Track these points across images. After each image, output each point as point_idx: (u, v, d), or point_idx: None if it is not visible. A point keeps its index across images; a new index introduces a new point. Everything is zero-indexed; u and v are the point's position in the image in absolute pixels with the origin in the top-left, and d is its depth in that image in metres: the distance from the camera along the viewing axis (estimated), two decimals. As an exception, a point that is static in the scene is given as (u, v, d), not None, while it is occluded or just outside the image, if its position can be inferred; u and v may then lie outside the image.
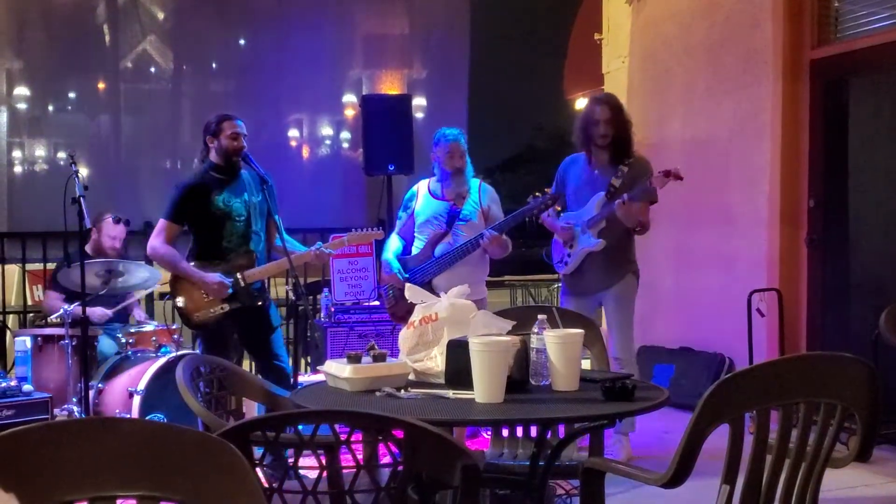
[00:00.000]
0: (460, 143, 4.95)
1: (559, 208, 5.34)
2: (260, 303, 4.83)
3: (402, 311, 4.83)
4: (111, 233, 5.89)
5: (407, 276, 4.90)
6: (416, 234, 5.05)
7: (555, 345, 2.82)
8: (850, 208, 5.98)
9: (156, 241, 4.76)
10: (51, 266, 7.02)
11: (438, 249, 4.92)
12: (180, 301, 4.76)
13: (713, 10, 6.74)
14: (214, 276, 4.68)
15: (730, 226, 6.51)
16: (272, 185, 4.82)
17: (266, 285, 5.02)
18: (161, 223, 4.79)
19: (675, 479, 2.18)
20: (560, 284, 5.56)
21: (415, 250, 5.04)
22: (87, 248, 5.79)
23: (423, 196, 5.08)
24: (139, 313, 6.31)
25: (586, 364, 3.78)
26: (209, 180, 4.76)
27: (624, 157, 5.14)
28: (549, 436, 3.28)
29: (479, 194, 5.02)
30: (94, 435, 1.51)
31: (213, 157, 4.79)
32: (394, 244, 5.10)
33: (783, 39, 6.17)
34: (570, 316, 3.49)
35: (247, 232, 4.78)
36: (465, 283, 3.26)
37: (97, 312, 5.60)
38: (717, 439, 2.16)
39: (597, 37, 8.33)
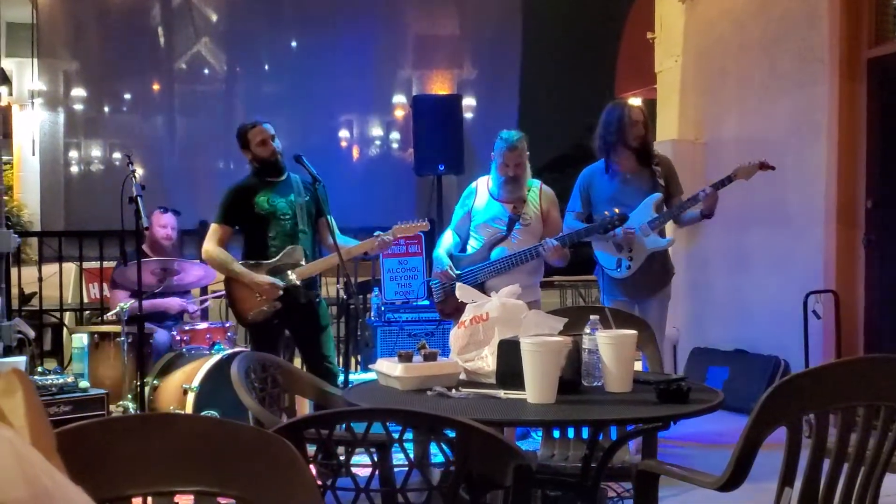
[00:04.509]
0: (517, 151, 4.76)
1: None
2: (310, 300, 4.88)
3: (451, 308, 4.79)
4: (160, 223, 6.11)
5: (459, 272, 4.81)
6: (471, 233, 4.94)
7: (608, 345, 2.80)
8: (908, 209, 5.86)
9: (208, 245, 4.91)
10: (107, 264, 7.15)
11: (495, 253, 4.81)
12: (234, 299, 4.85)
13: (768, 7, 6.64)
14: (266, 278, 4.74)
15: (785, 226, 6.41)
16: (324, 185, 4.87)
17: (318, 283, 5.05)
18: (212, 227, 4.95)
19: (732, 482, 2.16)
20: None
21: (470, 249, 4.91)
22: (144, 247, 5.88)
23: (482, 195, 4.94)
24: (192, 307, 6.33)
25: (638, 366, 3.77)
26: (254, 182, 4.94)
27: (650, 157, 5.22)
28: (601, 437, 3.26)
29: (540, 197, 4.90)
30: (153, 431, 1.53)
31: (254, 163, 4.99)
32: (447, 240, 4.98)
33: (840, 37, 6.06)
34: (623, 317, 3.47)
35: (294, 231, 4.86)
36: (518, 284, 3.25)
37: (175, 303, 5.91)
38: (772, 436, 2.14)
39: (649, 35, 8.25)
